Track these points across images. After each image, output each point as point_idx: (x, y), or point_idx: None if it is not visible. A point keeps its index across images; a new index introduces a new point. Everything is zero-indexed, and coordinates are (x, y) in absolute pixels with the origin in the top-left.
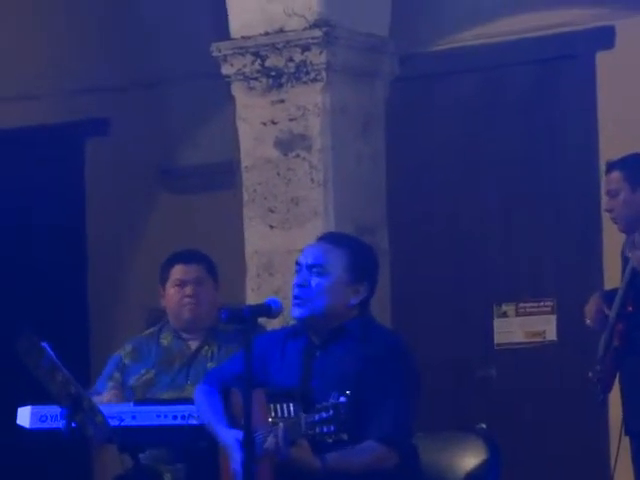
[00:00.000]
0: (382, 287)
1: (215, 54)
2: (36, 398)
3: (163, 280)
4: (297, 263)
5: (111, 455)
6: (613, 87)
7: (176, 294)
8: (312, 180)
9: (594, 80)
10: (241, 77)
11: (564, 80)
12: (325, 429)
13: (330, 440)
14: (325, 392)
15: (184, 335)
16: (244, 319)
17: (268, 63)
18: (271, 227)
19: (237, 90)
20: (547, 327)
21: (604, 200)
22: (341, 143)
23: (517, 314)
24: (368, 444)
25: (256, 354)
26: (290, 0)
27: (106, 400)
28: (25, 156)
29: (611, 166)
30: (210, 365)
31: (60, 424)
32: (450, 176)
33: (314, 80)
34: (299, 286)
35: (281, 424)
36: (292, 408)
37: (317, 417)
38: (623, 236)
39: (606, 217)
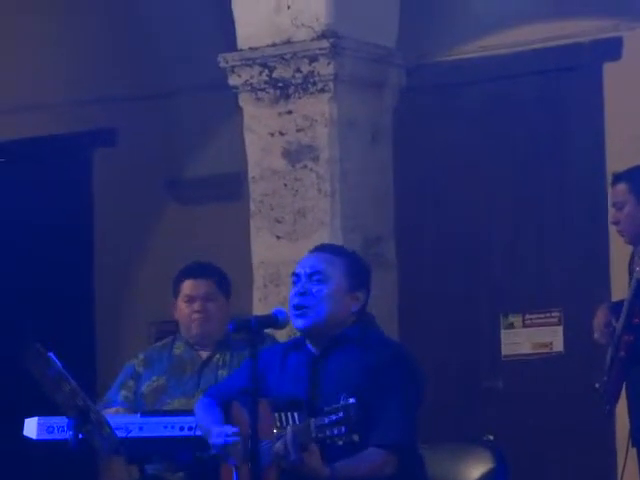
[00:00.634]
0: (389, 297)
1: (222, 65)
2: (43, 409)
3: (175, 293)
4: (294, 274)
5: (118, 466)
6: (620, 98)
7: (186, 309)
8: (319, 191)
9: (601, 91)
10: (249, 88)
11: (571, 91)
12: (336, 431)
13: (341, 442)
14: (329, 399)
15: (196, 346)
16: (251, 330)
17: (276, 74)
18: (278, 238)
19: (245, 101)
20: (554, 338)
21: (610, 212)
22: (348, 154)
23: (524, 325)
24: (370, 451)
25: (258, 366)
26: (298, 11)
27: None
28: (33, 166)
29: (617, 178)
30: (221, 373)
31: (67, 435)
32: (457, 187)
33: (322, 91)
34: (300, 295)
35: (289, 428)
36: (297, 417)
37: (327, 420)
38: (630, 248)
39: (613, 229)
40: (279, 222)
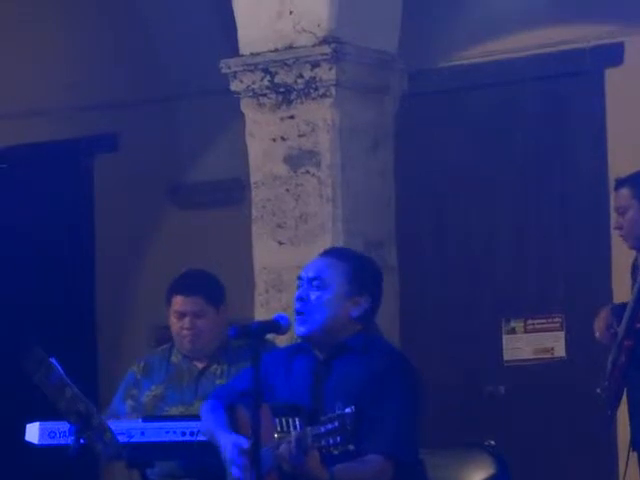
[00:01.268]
0: (391, 302)
1: (224, 70)
2: (45, 414)
3: (168, 303)
4: (299, 278)
5: (120, 471)
6: (622, 104)
7: (176, 323)
8: (321, 196)
9: (603, 96)
10: (250, 93)
11: (573, 96)
12: (331, 440)
13: (336, 452)
14: (331, 407)
15: (190, 357)
16: (252, 335)
17: (277, 79)
18: (280, 243)
19: (246, 106)
20: (556, 343)
21: (613, 217)
22: (350, 159)
23: (526, 330)
24: (371, 458)
25: (262, 370)
26: (299, 16)
27: None
28: (34, 172)
29: (620, 183)
30: (219, 382)
31: (69, 440)
32: (459, 192)
33: (323, 96)
34: (299, 300)
35: (293, 432)
36: (298, 423)
37: (323, 429)
38: (632, 252)
39: (615, 234)
40: (281, 227)
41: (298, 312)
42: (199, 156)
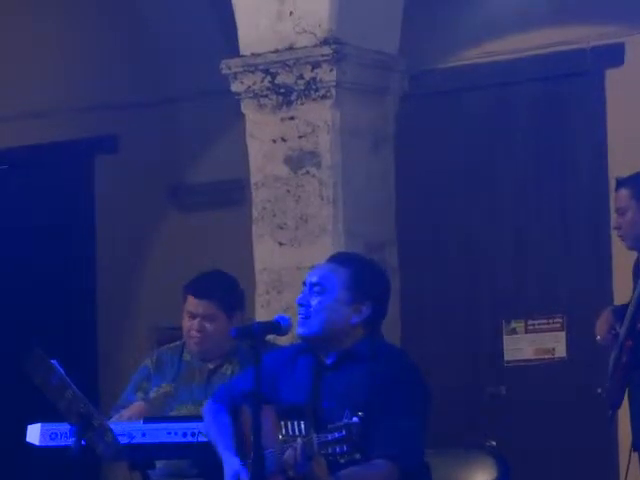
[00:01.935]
0: (391, 304)
1: (225, 71)
2: (46, 416)
3: (183, 300)
4: (303, 282)
5: (121, 472)
6: (622, 104)
7: (187, 322)
8: (321, 197)
9: (603, 97)
10: (251, 94)
11: (573, 97)
12: (338, 449)
13: (343, 460)
14: (335, 412)
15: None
16: (253, 336)
17: (278, 80)
18: (280, 244)
19: (247, 107)
20: (557, 344)
21: (613, 217)
22: (351, 160)
23: (526, 331)
24: (377, 462)
25: (266, 370)
26: (300, 17)
27: (130, 413)
28: (35, 173)
29: (620, 183)
30: None
31: (70, 442)
32: (460, 193)
33: (324, 97)
34: (299, 305)
35: (299, 439)
36: (303, 426)
37: (330, 437)
38: (633, 253)
39: (615, 234)
40: (281, 228)
41: (299, 317)
42: (199, 157)
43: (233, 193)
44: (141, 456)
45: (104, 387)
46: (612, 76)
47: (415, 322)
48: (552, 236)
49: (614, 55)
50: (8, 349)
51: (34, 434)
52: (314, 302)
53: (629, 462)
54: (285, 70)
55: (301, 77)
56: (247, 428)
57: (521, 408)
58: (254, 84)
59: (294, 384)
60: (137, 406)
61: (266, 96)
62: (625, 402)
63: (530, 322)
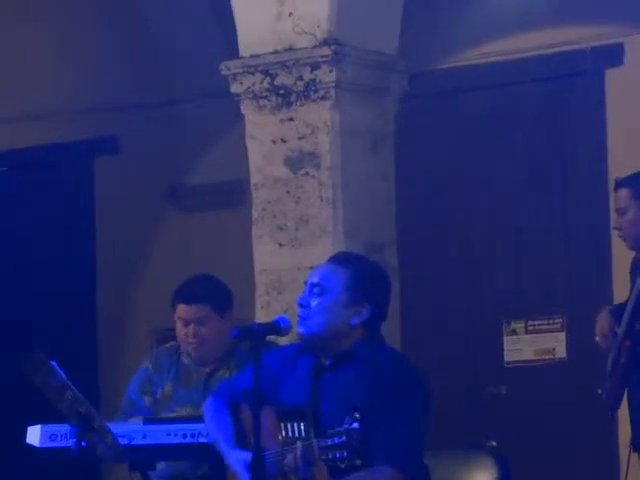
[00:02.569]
0: (391, 305)
1: (224, 73)
2: (46, 417)
3: (173, 308)
4: (305, 282)
5: (121, 474)
6: (622, 104)
7: (181, 329)
8: (321, 198)
9: (603, 97)
10: (250, 95)
11: (573, 97)
12: (338, 455)
13: (343, 465)
14: (334, 415)
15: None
16: (253, 337)
17: (277, 81)
18: (280, 245)
19: (246, 108)
20: (557, 344)
21: (613, 218)
22: (350, 161)
23: (527, 331)
24: (382, 469)
25: (267, 370)
26: (299, 18)
27: None
28: (35, 174)
29: (620, 183)
30: None
31: (70, 443)
32: (460, 193)
33: (323, 98)
34: (299, 306)
35: (299, 443)
36: (302, 428)
37: (330, 442)
38: (632, 253)
39: (615, 234)
40: (281, 229)
41: (298, 316)
42: (199, 158)
43: (233, 194)
44: (141, 457)
45: (104, 388)
46: (612, 76)
47: (415, 323)
48: (552, 236)
49: (614, 55)
50: (8, 350)
51: (34, 435)
52: (314, 303)
53: (628, 463)
54: (284, 71)
55: (300, 78)
56: (247, 427)
57: (521, 409)
58: (253, 85)
59: (294, 385)
60: None
61: (266, 97)
62: (624, 403)
63: (530, 323)
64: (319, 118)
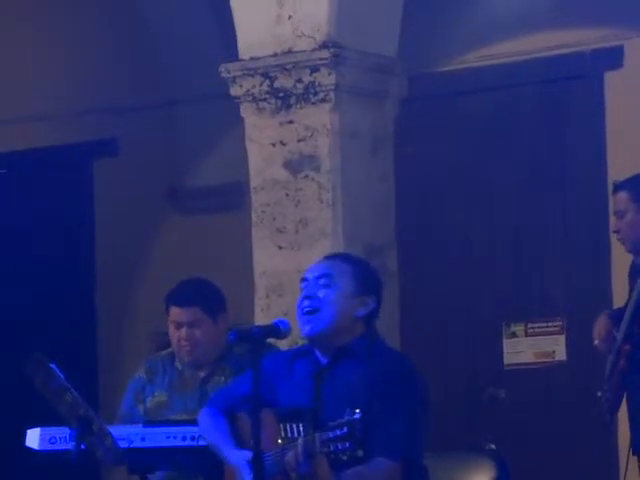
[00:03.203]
0: (391, 307)
1: (224, 75)
2: (45, 420)
3: (166, 312)
4: (303, 280)
5: (121, 476)
6: (621, 107)
7: (174, 333)
8: (321, 201)
9: (602, 100)
10: (250, 98)
11: (572, 100)
12: (340, 446)
13: (345, 457)
14: (334, 412)
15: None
16: (253, 339)
17: (277, 84)
18: (280, 248)
19: (246, 111)
20: (556, 347)
21: (611, 220)
22: (350, 164)
23: (526, 334)
24: (381, 461)
25: (264, 374)
26: (299, 21)
27: None
28: (34, 177)
29: (618, 187)
30: None
31: (69, 446)
32: (459, 196)
33: (323, 101)
34: (307, 298)
35: (300, 439)
36: (302, 428)
37: (331, 434)
38: (631, 256)
39: (614, 237)
40: (281, 232)
41: (307, 311)
42: (199, 161)
43: (232, 197)
44: (141, 460)
45: (104, 390)
46: (611, 79)
47: (414, 325)
48: (552, 238)
49: (613, 58)
50: (7, 351)
51: (33, 438)
52: (322, 294)
53: (627, 466)
54: (284, 74)
55: (300, 81)
56: (245, 435)
57: (521, 411)
58: (253, 88)
59: (292, 388)
60: None
61: (265, 100)
62: (624, 406)
63: (530, 325)
64: (318, 121)
